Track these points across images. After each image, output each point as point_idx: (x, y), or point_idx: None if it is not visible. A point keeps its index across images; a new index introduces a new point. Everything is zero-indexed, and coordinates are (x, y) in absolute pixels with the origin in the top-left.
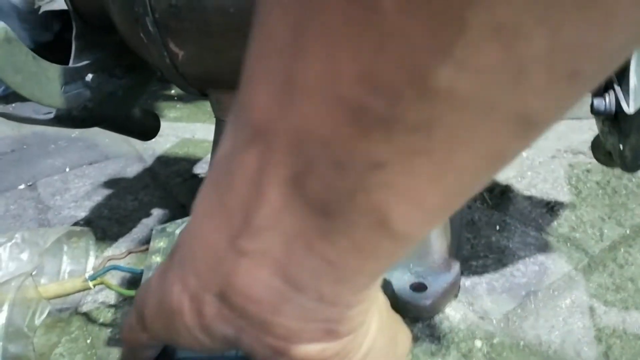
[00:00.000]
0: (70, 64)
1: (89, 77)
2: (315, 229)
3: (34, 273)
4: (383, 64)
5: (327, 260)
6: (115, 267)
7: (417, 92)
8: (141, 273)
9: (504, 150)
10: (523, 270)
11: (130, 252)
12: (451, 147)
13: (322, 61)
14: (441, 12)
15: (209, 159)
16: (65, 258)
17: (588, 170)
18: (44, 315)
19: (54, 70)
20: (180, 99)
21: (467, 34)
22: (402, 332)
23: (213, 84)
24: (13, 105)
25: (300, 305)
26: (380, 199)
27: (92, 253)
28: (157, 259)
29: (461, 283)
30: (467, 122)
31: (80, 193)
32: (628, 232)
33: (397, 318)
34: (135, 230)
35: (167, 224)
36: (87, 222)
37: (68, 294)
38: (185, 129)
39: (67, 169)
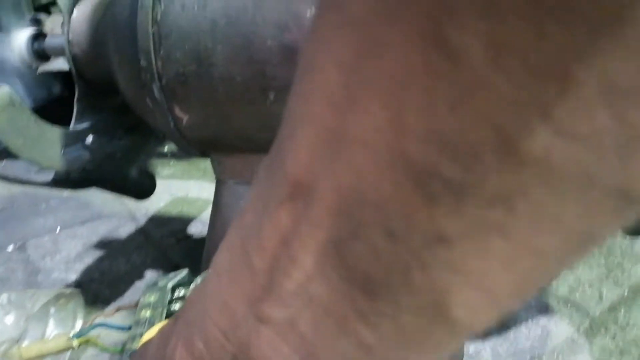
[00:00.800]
0: (72, 127)
1: (89, 139)
2: (353, 305)
3: (18, 340)
4: (461, 122)
5: (362, 344)
6: (102, 324)
7: (501, 158)
8: (130, 329)
9: (595, 230)
10: (526, 333)
11: (119, 309)
12: (534, 225)
13: (381, 113)
14: (543, 66)
15: (203, 218)
16: (51, 321)
17: None
18: None
19: (54, 133)
20: (173, 156)
21: (572, 93)
22: None
23: (216, 147)
24: (3, 162)
25: None
26: (440, 279)
27: (79, 316)
28: (147, 313)
29: (465, 349)
30: (557, 196)
31: (72, 254)
32: (626, 293)
33: None
34: (127, 293)
35: (159, 278)
36: (78, 285)
37: (50, 354)
38: (178, 187)
39: (58, 229)
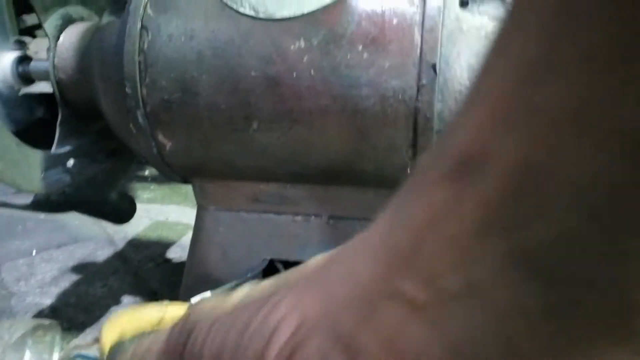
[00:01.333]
0: (53, 150)
1: (70, 162)
2: (525, 303)
3: None
4: None
5: (518, 354)
6: (80, 356)
7: None
8: None
9: None
10: None
11: (97, 340)
12: None
13: (590, 79)
14: None
15: (182, 243)
16: (27, 353)
17: None
18: None
19: (36, 157)
20: (154, 180)
21: None
22: None
23: (198, 174)
24: None
25: None
26: None
27: (57, 348)
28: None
29: None
30: None
31: (47, 278)
32: None
33: None
34: (103, 319)
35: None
36: (53, 310)
37: None
38: (158, 211)
39: (34, 252)
